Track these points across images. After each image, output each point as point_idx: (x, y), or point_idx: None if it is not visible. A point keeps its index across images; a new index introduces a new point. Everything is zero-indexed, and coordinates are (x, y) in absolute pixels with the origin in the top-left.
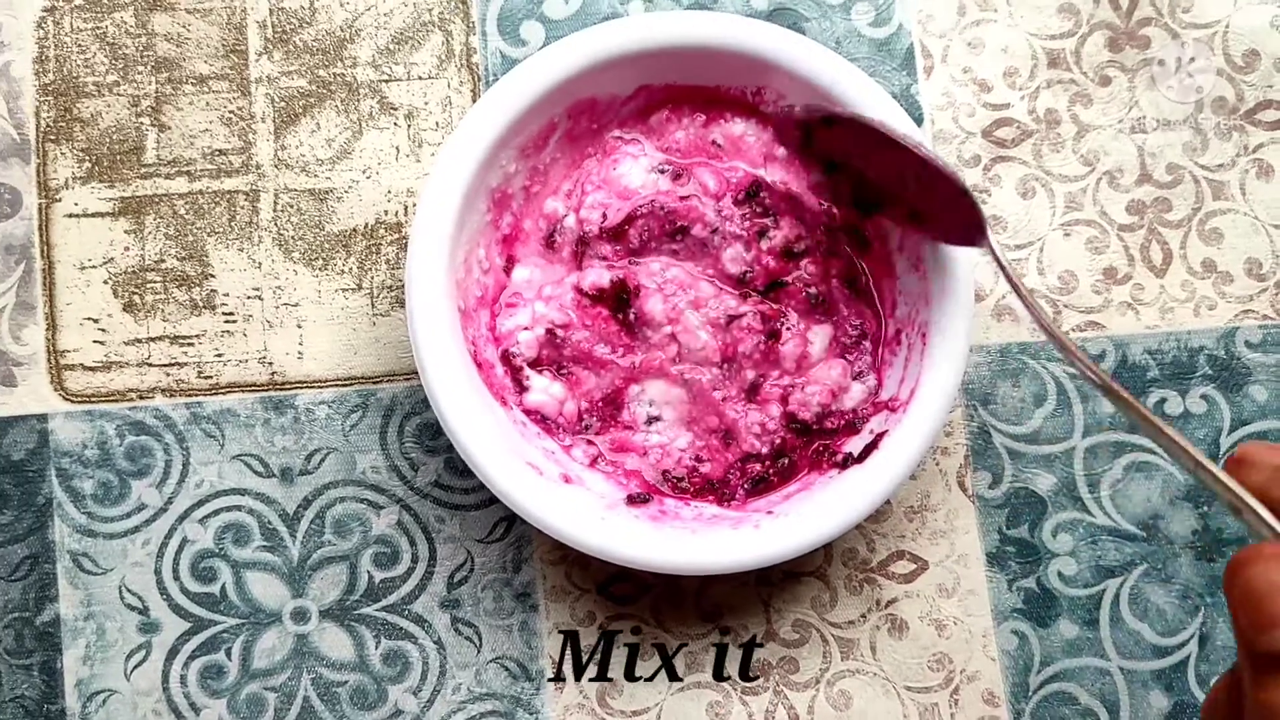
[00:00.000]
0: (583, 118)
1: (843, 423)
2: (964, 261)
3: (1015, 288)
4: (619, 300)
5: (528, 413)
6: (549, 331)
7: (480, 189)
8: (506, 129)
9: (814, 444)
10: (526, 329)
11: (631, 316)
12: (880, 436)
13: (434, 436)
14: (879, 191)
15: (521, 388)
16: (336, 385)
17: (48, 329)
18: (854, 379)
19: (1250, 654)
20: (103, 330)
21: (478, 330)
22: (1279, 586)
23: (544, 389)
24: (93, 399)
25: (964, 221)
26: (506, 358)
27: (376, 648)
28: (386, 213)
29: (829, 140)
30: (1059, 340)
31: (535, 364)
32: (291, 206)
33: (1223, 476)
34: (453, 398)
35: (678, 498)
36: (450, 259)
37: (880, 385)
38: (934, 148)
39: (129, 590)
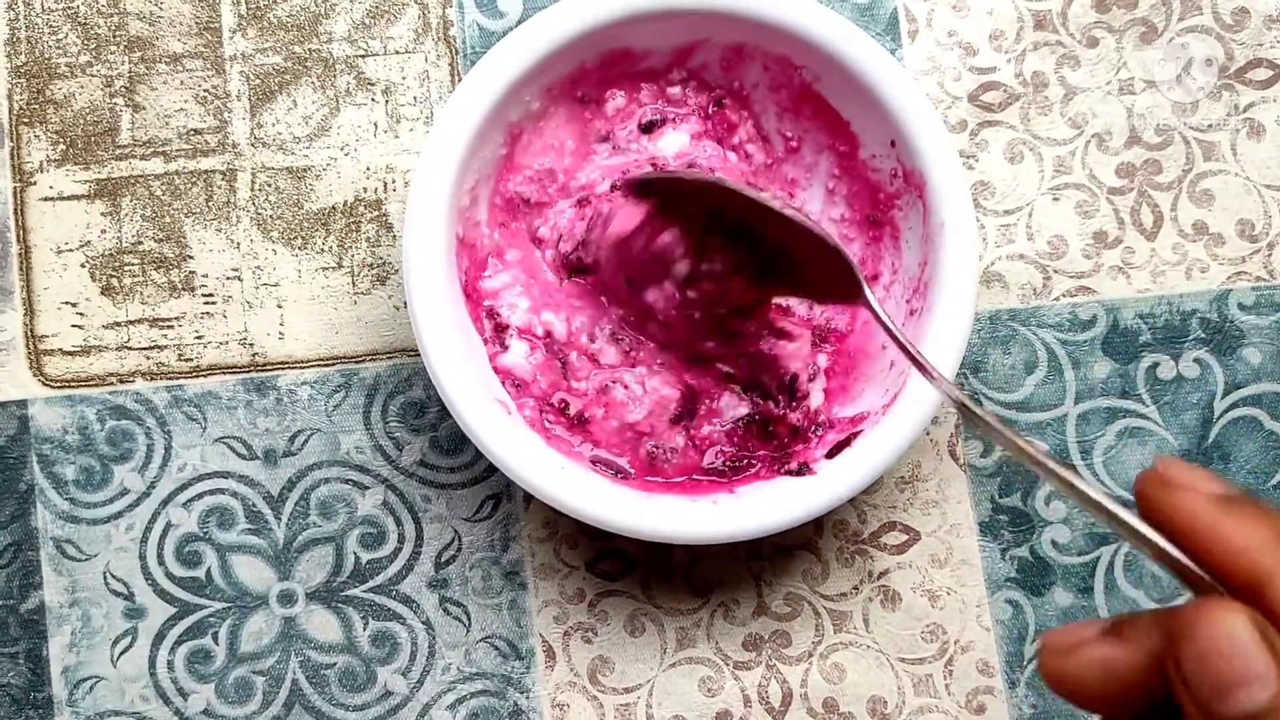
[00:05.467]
0: (614, 68)
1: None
2: (965, 289)
3: (902, 348)
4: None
5: (500, 373)
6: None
7: (499, 119)
8: (538, 62)
9: (780, 439)
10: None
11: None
12: (853, 436)
13: (418, 415)
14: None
15: (502, 346)
16: (318, 365)
17: (25, 314)
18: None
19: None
20: (81, 314)
21: (472, 262)
22: (1241, 640)
23: (523, 354)
24: (72, 384)
25: (839, 279)
26: (492, 314)
27: (365, 629)
28: (366, 190)
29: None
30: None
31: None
32: (269, 185)
33: (1150, 534)
34: (432, 318)
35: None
36: (456, 183)
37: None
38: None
39: (114, 576)
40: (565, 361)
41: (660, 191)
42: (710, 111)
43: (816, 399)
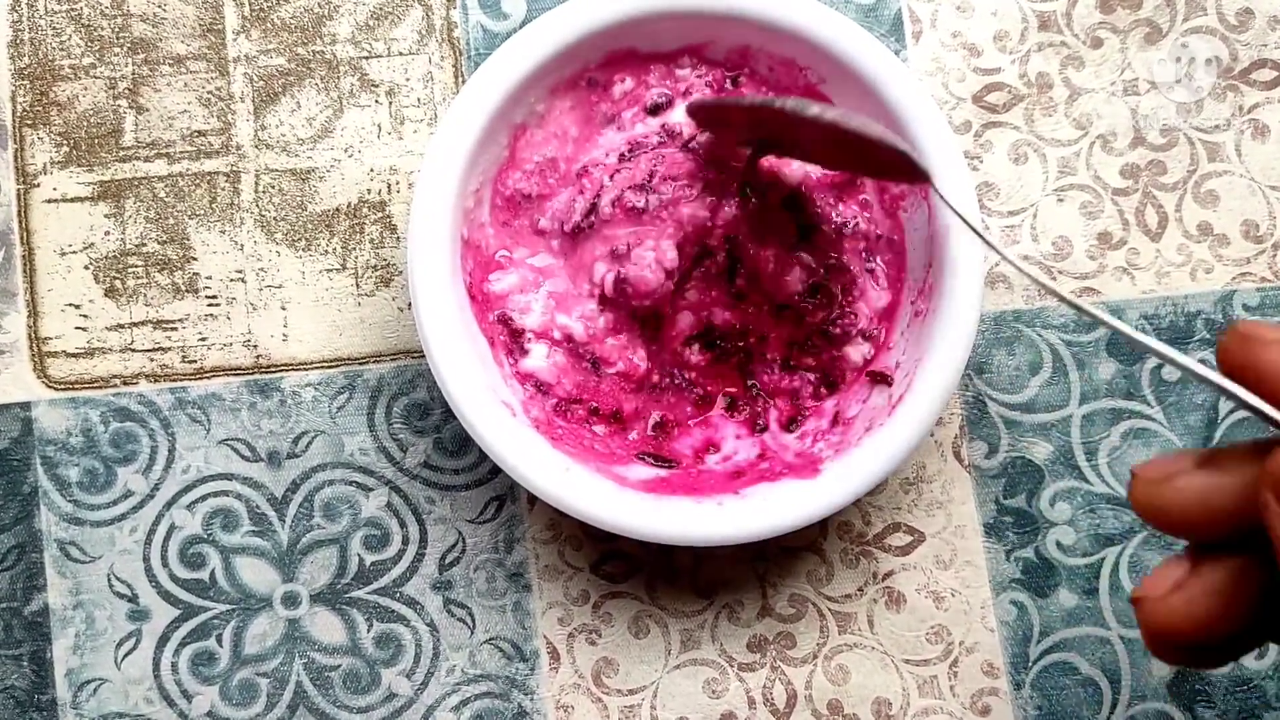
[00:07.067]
0: (616, 69)
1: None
2: (970, 292)
3: (975, 230)
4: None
5: (522, 377)
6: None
7: (504, 121)
8: (543, 64)
9: (808, 347)
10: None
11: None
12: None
13: (422, 417)
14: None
15: (522, 351)
16: (322, 367)
17: (29, 316)
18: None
19: None
20: (85, 316)
21: (477, 264)
22: None
23: (544, 355)
24: (76, 386)
25: (903, 168)
26: (505, 319)
27: (369, 631)
28: (370, 191)
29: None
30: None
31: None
32: (273, 187)
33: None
34: (437, 320)
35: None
36: (461, 185)
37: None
38: None
39: (117, 578)
40: (596, 359)
41: (710, 121)
42: (725, 87)
43: (856, 355)
